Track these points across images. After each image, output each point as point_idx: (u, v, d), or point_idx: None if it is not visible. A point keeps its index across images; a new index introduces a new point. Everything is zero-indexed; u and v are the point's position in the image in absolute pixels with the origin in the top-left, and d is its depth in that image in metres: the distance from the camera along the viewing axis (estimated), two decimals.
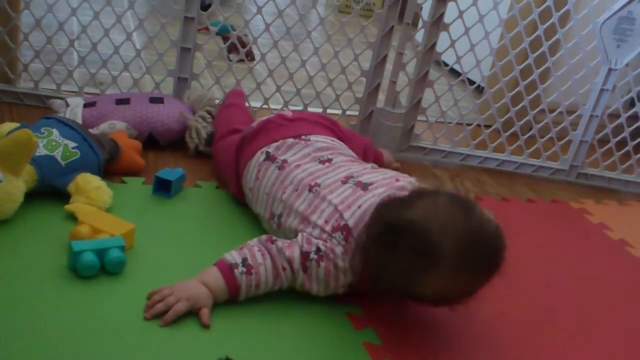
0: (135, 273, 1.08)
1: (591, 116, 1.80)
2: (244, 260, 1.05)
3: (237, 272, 1.03)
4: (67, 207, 1.18)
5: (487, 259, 0.99)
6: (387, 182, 1.13)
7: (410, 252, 0.97)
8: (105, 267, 1.06)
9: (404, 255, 0.97)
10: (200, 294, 1.01)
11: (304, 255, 1.05)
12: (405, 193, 1.07)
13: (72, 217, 1.17)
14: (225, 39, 2.02)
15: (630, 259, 1.49)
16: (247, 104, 1.65)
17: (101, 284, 1.04)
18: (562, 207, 1.70)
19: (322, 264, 1.05)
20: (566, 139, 1.84)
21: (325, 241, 1.06)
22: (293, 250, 1.06)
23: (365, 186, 1.12)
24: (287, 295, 1.08)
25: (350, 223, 1.06)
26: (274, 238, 1.09)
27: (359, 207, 1.08)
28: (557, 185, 1.85)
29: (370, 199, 1.08)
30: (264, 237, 1.09)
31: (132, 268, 1.08)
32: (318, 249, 1.06)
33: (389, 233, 0.99)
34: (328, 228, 1.07)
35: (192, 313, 1.00)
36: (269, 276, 1.05)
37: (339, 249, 1.05)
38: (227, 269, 1.04)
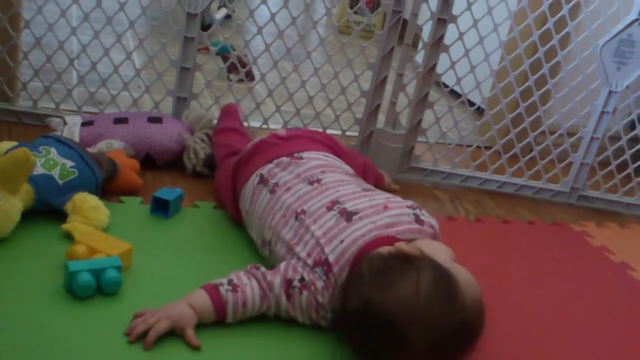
0: (132, 293, 1.06)
1: (592, 138, 1.80)
2: (230, 281, 1.04)
3: (222, 289, 1.02)
4: (64, 226, 1.17)
5: (465, 346, 0.97)
6: (374, 211, 1.10)
7: (383, 339, 0.95)
8: (101, 288, 1.04)
9: (377, 339, 0.95)
10: (183, 313, 0.99)
11: (287, 283, 1.04)
12: (393, 230, 1.06)
13: (69, 237, 1.16)
14: (225, 59, 2.02)
15: (631, 282, 1.48)
16: (243, 121, 1.64)
17: (97, 305, 1.02)
18: (563, 229, 1.69)
19: (305, 292, 1.04)
20: (567, 161, 1.83)
21: (309, 273, 1.05)
22: (275, 277, 1.05)
23: (349, 216, 1.09)
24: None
25: (331, 258, 1.05)
26: (259, 265, 1.08)
27: (341, 242, 1.06)
28: (558, 207, 1.84)
29: (352, 234, 1.06)
30: (249, 265, 1.09)
31: (129, 288, 1.07)
32: (302, 278, 1.04)
33: (366, 315, 0.96)
34: (310, 262, 1.06)
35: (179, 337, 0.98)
36: (256, 296, 1.04)
37: (319, 283, 1.04)
38: (212, 288, 1.03)
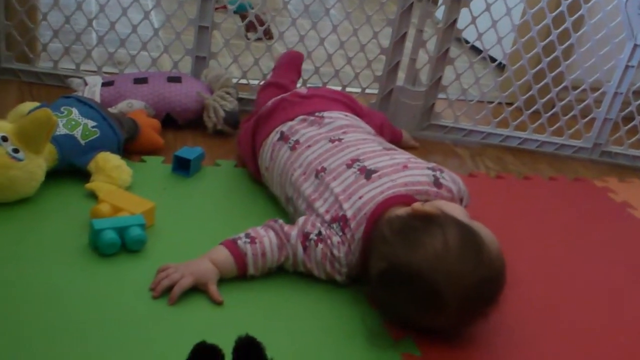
0: (156, 251, 1.08)
1: (615, 93, 1.77)
2: (247, 234, 1.06)
3: (240, 242, 1.04)
4: (88, 185, 1.19)
5: (492, 300, 0.98)
6: (393, 170, 1.10)
7: (414, 298, 0.95)
8: (126, 245, 1.06)
9: (407, 299, 0.96)
10: (205, 269, 1.01)
11: (305, 236, 1.06)
12: (411, 189, 1.05)
13: (93, 196, 1.17)
14: (243, 17, 2.00)
15: None
16: (298, 74, 1.61)
17: (122, 262, 1.04)
18: (584, 185, 1.68)
19: (320, 245, 1.05)
20: (590, 117, 1.81)
21: (326, 229, 1.06)
22: (292, 229, 1.07)
23: (369, 174, 1.09)
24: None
25: (349, 214, 1.05)
26: (277, 219, 1.10)
27: (360, 198, 1.06)
28: (580, 163, 1.82)
29: (371, 191, 1.06)
30: (267, 220, 1.11)
31: (153, 246, 1.08)
32: (319, 233, 1.06)
33: (393, 275, 0.96)
34: (327, 218, 1.07)
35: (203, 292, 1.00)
36: (274, 246, 1.05)
37: (335, 238, 1.05)
38: (230, 242, 1.05)
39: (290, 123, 1.26)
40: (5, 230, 1.06)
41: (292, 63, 1.59)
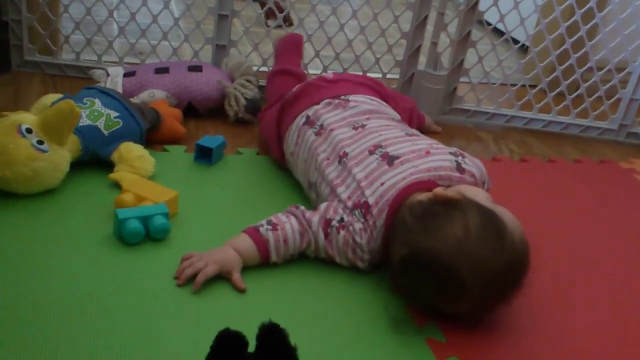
0: (180, 239, 1.09)
1: None
2: (269, 221, 1.07)
3: (262, 229, 1.05)
4: (111, 175, 1.20)
5: (515, 285, 0.97)
6: (416, 156, 1.09)
7: (435, 284, 0.95)
8: (150, 234, 1.07)
9: (429, 285, 0.95)
10: (229, 257, 1.02)
11: (326, 222, 1.06)
12: (434, 174, 1.05)
13: (117, 186, 1.18)
14: (262, 5, 2.00)
15: None
16: (300, 56, 1.61)
17: (146, 250, 1.05)
18: (610, 167, 1.65)
19: (342, 232, 1.05)
20: (615, 98, 1.78)
21: (348, 215, 1.06)
22: (314, 215, 1.07)
23: (391, 160, 1.09)
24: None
25: (371, 201, 1.05)
26: (298, 205, 1.10)
27: (382, 184, 1.06)
28: (605, 145, 1.80)
29: (393, 177, 1.06)
30: (289, 206, 1.11)
31: (176, 234, 1.09)
32: (341, 219, 1.05)
33: (414, 261, 0.96)
34: (350, 204, 1.07)
35: (226, 280, 1.01)
36: (295, 232, 1.06)
37: (357, 225, 1.05)
38: (252, 230, 1.05)
39: (315, 107, 1.26)
40: (30, 222, 1.08)
41: (292, 46, 1.59)
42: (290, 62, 1.56)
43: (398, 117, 1.28)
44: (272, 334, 0.73)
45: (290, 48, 1.59)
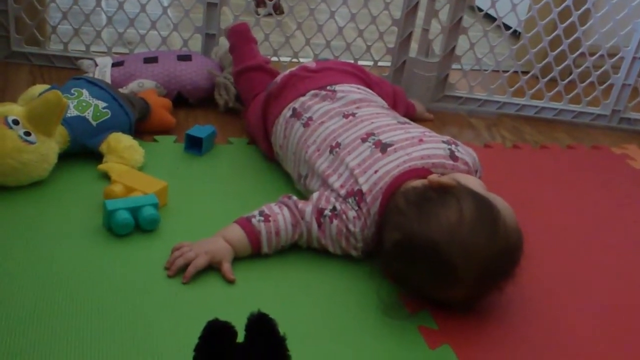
0: (169, 230, 1.08)
1: (634, 58, 1.73)
2: (261, 212, 1.06)
3: (254, 220, 1.04)
4: (100, 166, 1.19)
5: (508, 272, 0.97)
6: (409, 144, 1.08)
7: (428, 270, 0.94)
8: (139, 225, 1.06)
9: (421, 270, 0.95)
10: (219, 247, 1.01)
11: (319, 212, 1.05)
12: (427, 162, 1.04)
13: (106, 177, 1.17)
14: None
15: None
16: (253, 43, 1.51)
17: (136, 242, 1.04)
18: (603, 153, 1.65)
19: (335, 221, 1.04)
20: (607, 83, 1.77)
21: (341, 204, 1.05)
22: (307, 205, 1.07)
23: (384, 147, 1.08)
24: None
25: (364, 188, 1.04)
26: (291, 195, 1.09)
27: (375, 172, 1.05)
28: (598, 131, 1.79)
29: (387, 165, 1.05)
30: (281, 196, 1.10)
31: (166, 225, 1.08)
32: (334, 208, 1.05)
33: (407, 246, 0.95)
34: (343, 192, 1.06)
35: (216, 270, 1.00)
36: (288, 224, 1.05)
37: (351, 213, 1.04)
38: (244, 221, 1.04)
39: (302, 99, 1.25)
40: (19, 213, 1.07)
41: (243, 37, 1.49)
42: (247, 56, 1.47)
43: (386, 105, 1.27)
44: (261, 324, 0.72)
45: (241, 41, 1.49)
